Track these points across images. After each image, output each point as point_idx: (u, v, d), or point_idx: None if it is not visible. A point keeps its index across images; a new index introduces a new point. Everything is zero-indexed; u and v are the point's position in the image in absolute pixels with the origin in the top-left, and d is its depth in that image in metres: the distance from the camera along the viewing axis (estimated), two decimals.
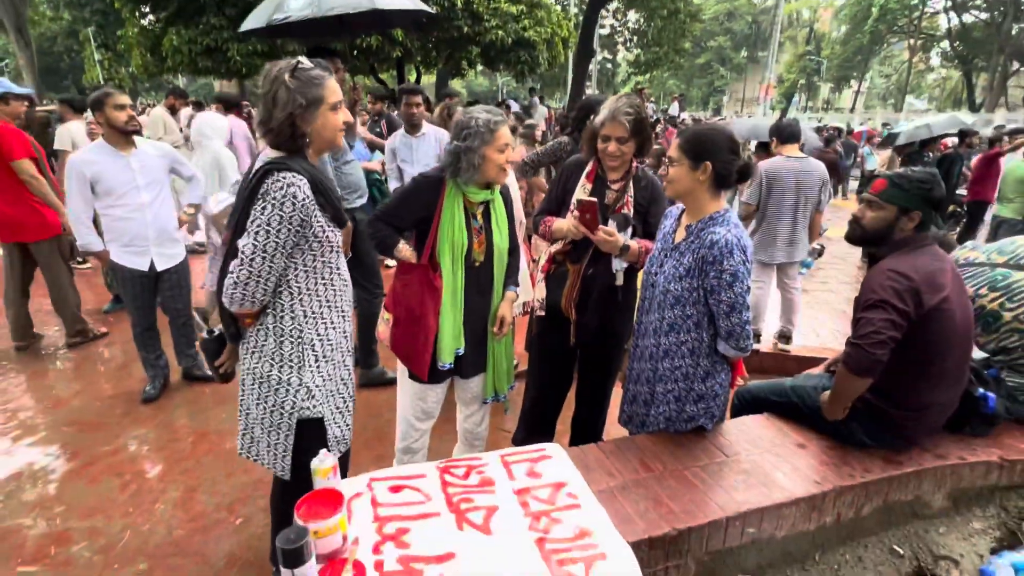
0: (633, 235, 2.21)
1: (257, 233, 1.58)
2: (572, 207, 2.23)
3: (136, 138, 3.18)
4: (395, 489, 1.70)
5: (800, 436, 2.11)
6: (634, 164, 2.27)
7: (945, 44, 36.28)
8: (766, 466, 1.91)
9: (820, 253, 4.26)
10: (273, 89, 1.60)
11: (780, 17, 22.06)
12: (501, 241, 2.15)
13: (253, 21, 3.94)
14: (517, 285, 2.28)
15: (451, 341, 2.10)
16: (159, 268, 3.26)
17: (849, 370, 1.82)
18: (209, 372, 3.60)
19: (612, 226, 2.17)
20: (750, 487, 1.79)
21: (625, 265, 2.20)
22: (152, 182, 3.18)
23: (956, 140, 7.94)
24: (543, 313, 2.37)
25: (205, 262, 6.28)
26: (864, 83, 45.76)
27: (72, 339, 4.15)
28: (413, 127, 3.87)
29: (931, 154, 6.89)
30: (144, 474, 2.77)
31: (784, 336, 4.10)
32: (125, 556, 2.25)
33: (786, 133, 4.04)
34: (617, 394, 2.32)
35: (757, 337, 4.11)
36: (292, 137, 1.62)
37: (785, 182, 3.88)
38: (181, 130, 7.00)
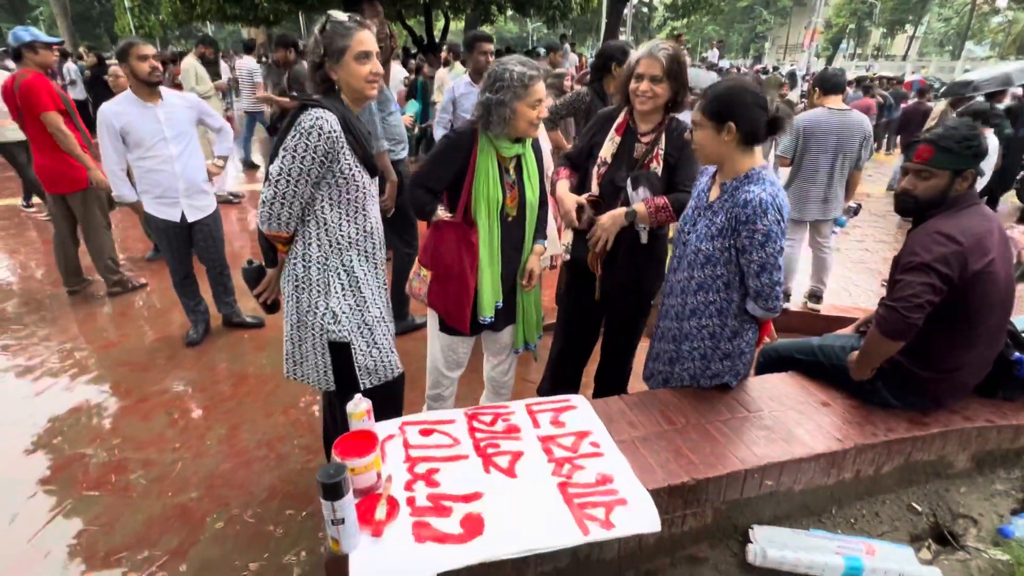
0: (654, 192, 2.17)
1: (283, 157, 1.68)
2: (578, 203, 2.19)
3: (164, 88, 3.19)
4: (425, 432, 1.78)
5: (824, 394, 2.11)
6: (668, 116, 2.21)
7: None
8: (788, 422, 1.93)
9: (856, 211, 4.11)
10: (311, 41, 1.74)
11: None
12: (532, 195, 2.15)
13: None
14: (545, 238, 2.29)
15: (491, 296, 2.13)
16: (190, 219, 3.32)
17: (881, 332, 1.80)
18: (248, 319, 3.77)
19: (631, 192, 2.13)
20: (771, 442, 1.82)
21: (645, 226, 2.18)
22: (180, 134, 3.19)
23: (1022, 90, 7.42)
24: (567, 257, 2.37)
25: (236, 212, 6.46)
26: (920, 28, 42.63)
27: (112, 288, 4.30)
28: (480, 75, 3.71)
29: (996, 105, 6.39)
30: (190, 412, 2.95)
31: (814, 296, 4.03)
32: (177, 484, 2.43)
33: (829, 83, 3.84)
34: (643, 349, 2.35)
35: (787, 296, 4.05)
36: (324, 82, 1.74)
37: (824, 136, 3.72)
38: (227, 79, 7.04)
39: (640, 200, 2.14)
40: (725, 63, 18.06)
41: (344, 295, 1.84)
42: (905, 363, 1.95)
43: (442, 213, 2.08)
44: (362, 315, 1.88)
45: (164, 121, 3.15)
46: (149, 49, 3.08)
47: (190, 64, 6.47)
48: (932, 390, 1.99)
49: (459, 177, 2.05)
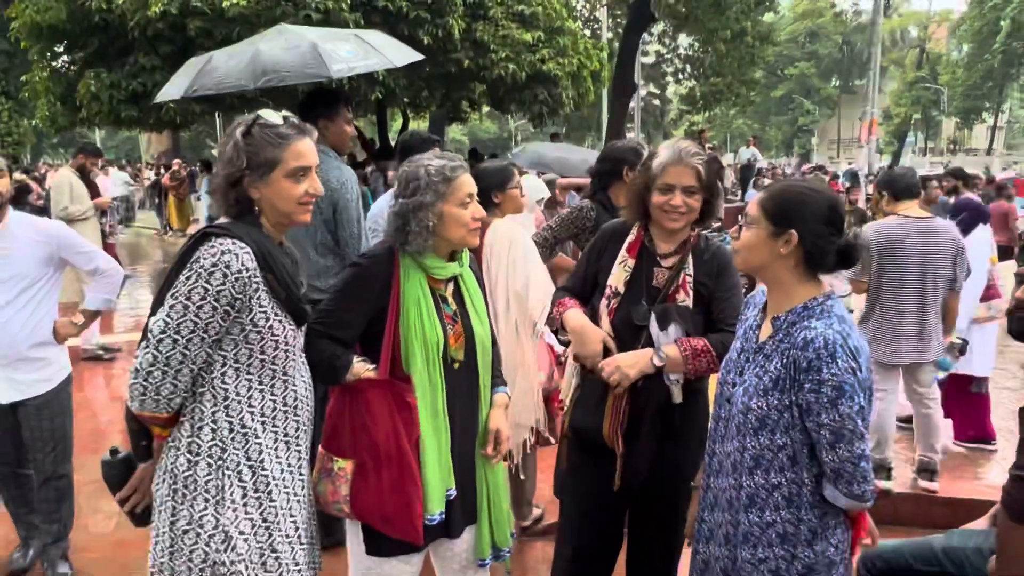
0: (688, 333, 2.20)
1: (172, 307, 1.67)
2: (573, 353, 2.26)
3: (16, 213, 3.11)
4: None
5: None
6: (693, 232, 2.30)
7: None
8: None
9: (963, 349, 4.15)
10: (225, 146, 1.78)
11: (879, 36, 23.19)
12: (482, 329, 2.16)
13: (172, 88, 4.26)
14: (505, 385, 2.28)
15: (439, 482, 2.04)
16: (5, 400, 3.06)
17: (1011, 517, 1.72)
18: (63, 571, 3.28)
19: (657, 333, 2.16)
20: None
21: (679, 377, 2.18)
22: (13, 277, 3.01)
23: None
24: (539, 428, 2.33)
25: (104, 374, 6.36)
26: (1001, 116, 47.13)
27: None
28: None
29: None
30: None
31: (926, 470, 3.96)
32: None
33: (900, 185, 4.09)
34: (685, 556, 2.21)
35: (887, 472, 3.96)
36: (237, 202, 1.78)
37: (906, 251, 3.90)
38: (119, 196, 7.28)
39: (671, 342, 2.16)
40: (764, 163, 19.52)
41: (246, 504, 1.76)
42: None
43: (361, 367, 2.03)
44: (270, 536, 1.79)
45: None
46: None
47: (64, 178, 6.81)
48: None
49: (377, 318, 2.04)
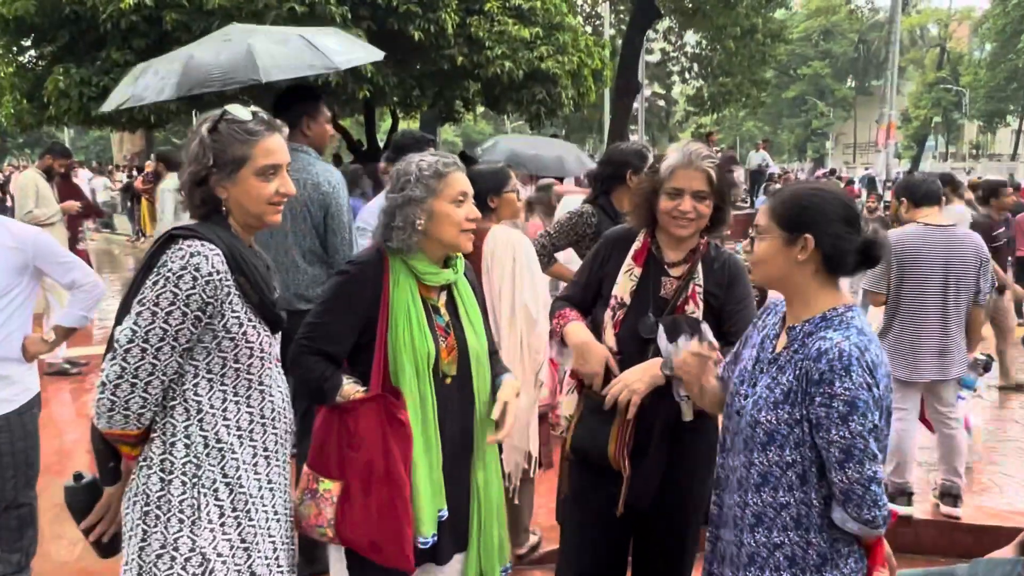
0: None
1: (140, 314, 1.66)
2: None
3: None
4: None
5: None
6: (703, 241, 2.30)
7: None
8: None
9: (987, 366, 4.16)
10: (190, 143, 1.78)
11: (898, 34, 23.34)
12: (477, 341, 2.15)
13: (114, 97, 4.23)
14: (509, 372, 2.28)
15: (430, 503, 2.04)
16: None
17: None
18: None
19: (666, 346, 2.16)
20: None
21: (689, 393, 2.16)
22: None
23: None
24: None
25: (72, 389, 6.31)
26: None
27: None
28: None
29: None
30: None
31: (948, 494, 3.95)
32: None
33: (920, 192, 4.11)
34: None
35: (907, 497, 3.96)
36: (203, 203, 1.78)
37: (927, 261, 3.91)
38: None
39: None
40: (775, 168, 19.55)
41: (223, 524, 1.75)
42: None
43: (351, 389, 2.02)
44: (249, 557, 1.77)
45: None
46: None
47: (30, 179, 6.80)
48: None
49: (366, 328, 2.04)
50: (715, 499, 2.04)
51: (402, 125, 15.21)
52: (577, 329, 2.32)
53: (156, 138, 21.99)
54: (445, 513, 2.08)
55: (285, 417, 1.91)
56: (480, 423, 2.18)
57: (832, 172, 23.15)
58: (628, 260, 2.32)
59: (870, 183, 20.91)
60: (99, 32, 9.81)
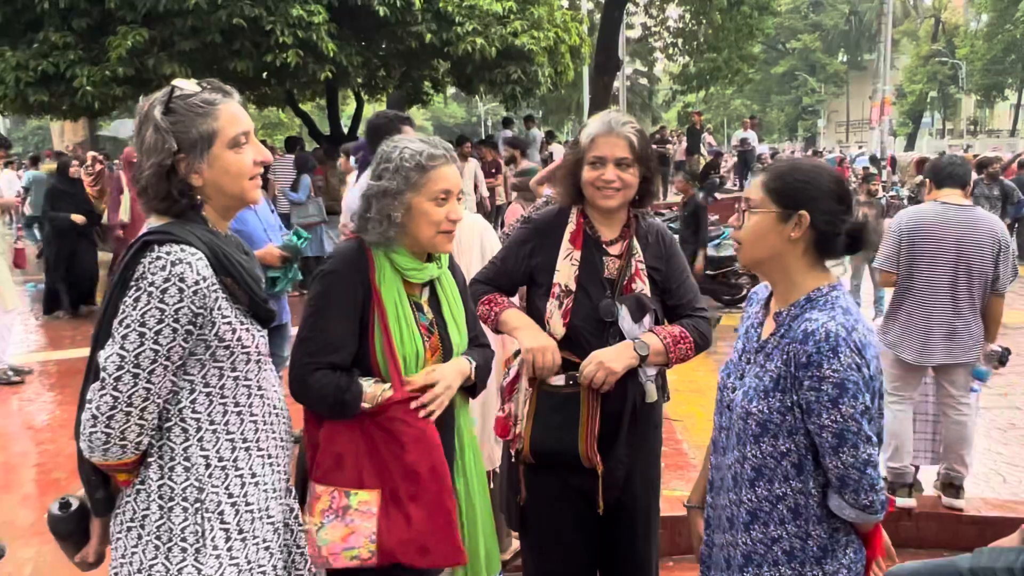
0: (657, 321, 2.26)
1: (126, 337, 1.58)
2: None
3: None
4: None
5: None
6: (631, 215, 2.35)
7: None
8: None
9: (1003, 359, 4.11)
10: (142, 132, 1.67)
11: (890, 5, 23.60)
12: (460, 340, 2.14)
13: None
14: (488, 347, 2.29)
15: None
16: None
17: None
18: None
19: (629, 326, 2.19)
20: None
21: (655, 371, 2.22)
22: None
23: None
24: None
25: (17, 399, 6.23)
26: None
27: None
28: None
29: None
30: None
31: (951, 485, 4.00)
32: None
33: (943, 173, 4.15)
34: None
35: (909, 488, 4.01)
36: (172, 197, 1.67)
37: (938, 240, 3.94)
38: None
39: (646, 332, 2.21)
40: (764, 148, 19.65)
41: (230, 548, 1.70)
42: None
43: (377, 389, 1.97)
44: None
45: None
46: None
47: None
48: None
49: (361, 329, 2.01)
50: (709, 500, 2.06)
51: (368, 108, 15.13)
52: (513, 316, 2.34)
53: (100, 126, 21.60)
54: None
55: (283, 415, 1.87)
56: (464, 427, 2.18)
57: (817, 154, 23.28)
58: (565, 244, 2.33)
59: (873, 162, 20.96)
60: (36, 12, 9.64)
